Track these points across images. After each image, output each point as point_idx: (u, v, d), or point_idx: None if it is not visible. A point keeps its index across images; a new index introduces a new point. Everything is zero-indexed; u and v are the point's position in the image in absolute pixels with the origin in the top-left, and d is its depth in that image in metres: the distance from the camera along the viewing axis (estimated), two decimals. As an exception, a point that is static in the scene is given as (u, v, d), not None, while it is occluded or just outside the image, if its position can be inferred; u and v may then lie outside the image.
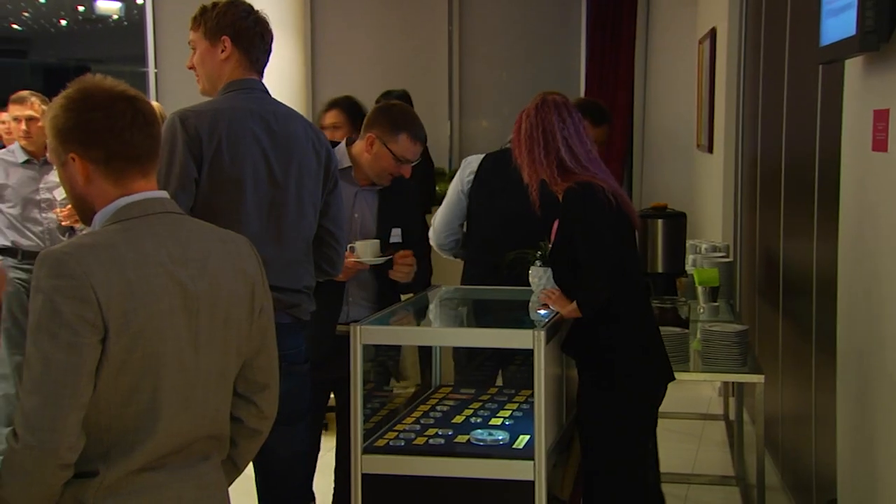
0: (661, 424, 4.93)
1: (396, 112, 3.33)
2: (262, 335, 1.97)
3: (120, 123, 1.79)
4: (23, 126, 4.93)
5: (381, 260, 3.26)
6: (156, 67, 7.75)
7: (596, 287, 2.94)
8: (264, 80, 2.89)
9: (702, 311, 4.48)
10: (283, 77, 7.77)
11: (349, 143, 3.39)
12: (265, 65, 2.88)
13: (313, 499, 3.13)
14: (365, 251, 3.23)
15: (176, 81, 7.40)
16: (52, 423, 1.65)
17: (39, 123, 4.94)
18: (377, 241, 3.26)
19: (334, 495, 3.45)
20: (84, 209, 1.86)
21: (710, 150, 6.32)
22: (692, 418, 5.56)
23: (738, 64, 5.70)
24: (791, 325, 4.26)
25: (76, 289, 1.67)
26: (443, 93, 8.25)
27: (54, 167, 5.45)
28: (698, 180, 7.11)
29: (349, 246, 3.22)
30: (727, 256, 5.20)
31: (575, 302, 2.99)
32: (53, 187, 4.94)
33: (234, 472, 2.04)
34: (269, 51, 2.87)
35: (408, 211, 3.45)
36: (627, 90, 7.95)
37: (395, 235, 3.38)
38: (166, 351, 1.76)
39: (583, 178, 2.99)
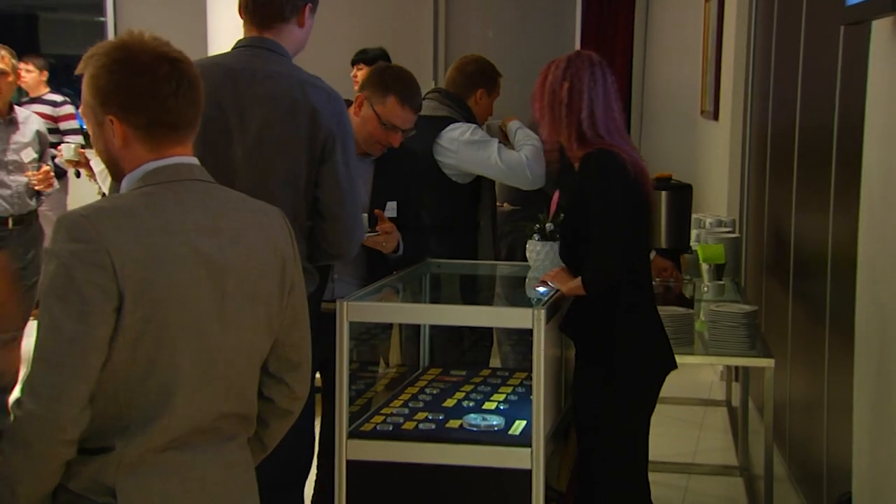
0: (660, 410, 4.97)
1: (390, 73, 3.30)
2: (294, 312, 2.00)
3: (165, 90, 1.82)
4: None
5: (368, 236, 3.22)
6: (115, 17, 7.66)
7: (606, 265, 2.93)
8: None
9: (706, 289, 4.50)
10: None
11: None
12: (271, 17, 2.86)
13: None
14: None
15: (138, 17, 7.33)
16: (54, 392, 1.69)
17: (10, 79, 4.88)
18: (364, 215, 3.24)
19: (317, 482, 3.46)
20: (116, 172, 1.91)
21: (716, 117, 6.32)
22: (692, 404, 5.60)
23: (749, 23, 5.69)
24: (802, 306, 4.29)
25: (91, 253, 1.70)
26: (427, 51, 8.21)
27: (20, 126, 5.39)
28: (702, 150, 7.12)
29: None
30: (733, 232, 5.21)
31: (579, 279, 2.98)
32: (21, 148, 4.89)
33: (262, 451, 2.08)
34: (267, 2, 2.85)
35: (405, 182, 3.42)
36: (626, 51, 7.94)
37: (390, 209, 3.35)
38: (187, 322, 1.79)
39: (603, 145, 2.98)
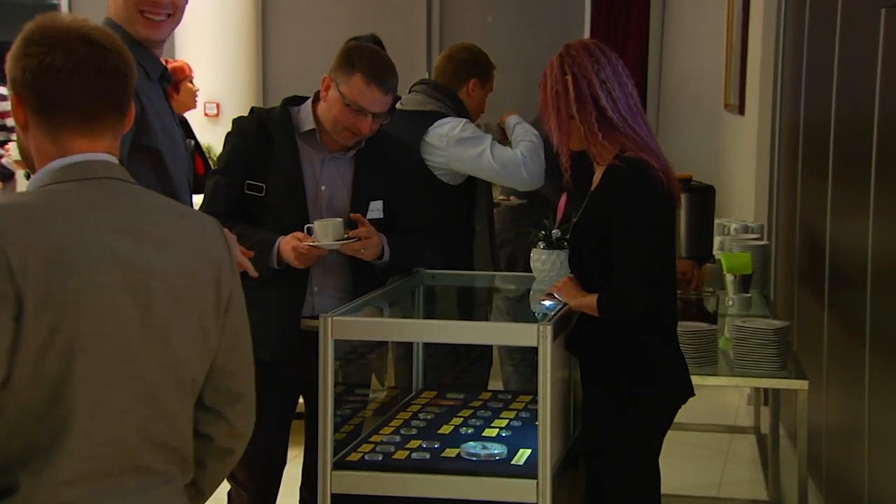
0: (680, 438, 5.00)
1: (357, 49, 3.28)
2: (233, 334, 1.96)
3: (59, 65, 1.80)
4: None
5: (343, 243, 3.18)
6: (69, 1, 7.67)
7: (630, 296, 2.91)
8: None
9: (731, 303, 4.50)
10: (227, 15, 7.72)
11: (316, 100, 3.34)
12: None
13: None
14: (324, 233, 3.16)
15: (93, 15, 7.34)
16: None
17: None
18: (339, 220, 3.20)
19: None
20: (29, 163, 1.89)
21: (741, 111, 6.34)
22: (717, 431, 5.60)
23: (778, 6, 5.71)
24: (839, 322, 4.29)
25: None
26: (420, 39, 8.22)
27: None
28: (726, 148, 7.13)
29: (306, 227, 3.19)
30: (761, 239, 5.22)
31: (594, 298, 2.97)
32: None
33: (199, 498, 2.02)
34: None
35: (392, 178, 3.40)
36: (641, 38, 7.97)
37: (375, 210, 3.33)
38: (103, 332, 1.74)
39: (629, 149, 2.95)
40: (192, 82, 5.91)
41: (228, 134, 3.36)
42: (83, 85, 1.82)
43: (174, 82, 5.52)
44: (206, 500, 2.05)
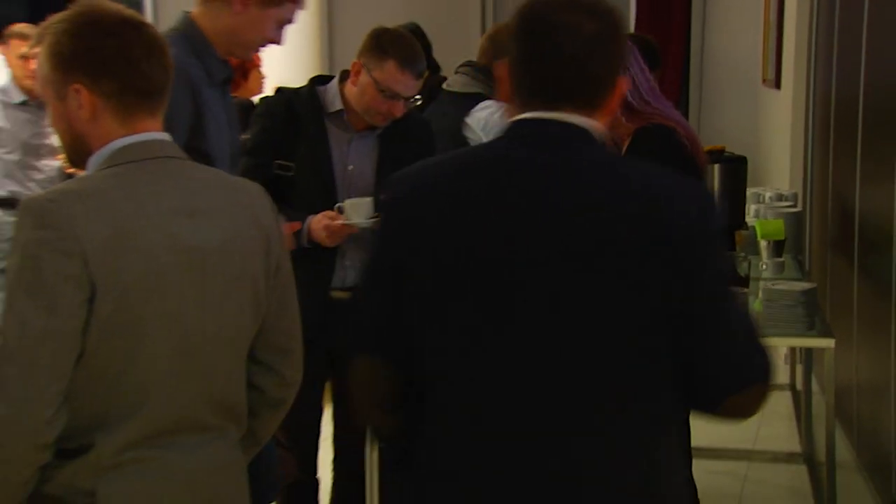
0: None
1: (388, 35, 3.20)
2: (283, 294, 1.96)
3: (136, 52, 1.78)
4: (31, 65, 4.78)
5: (374, 221, 3.14)
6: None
7: None
8: None
9: (764, 267, 4.45)
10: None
11: (343, 79, 3.26)
12: None
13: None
14: (356, 212, 3.12)
15: (177, 4, 7.40)
16: (27, 393, 1.65)
17: None
18: (370, 199, 3.13)
19: (333, 488, 3.40)
20: (80, 150, 1.84)
21: (778, 85, 6.24)
22: (754, 388, 5.55)
23: (811, -17, 5.61)
24: (868, 284, 4.24)
25: (59, 241, 1.66)
26: (475, 22, 8.19)
27: None
28: (763, 120, 7.04)
29: (337, 206, 3.14)
30: (795, 206, 5.15)
31: None
32: (54, 132, 4.96)
33: (254, 445, 2.04)
34: None
35: (413, 156, 3.31)
36: (684, 14, 7.86)
37: None
38: (164, 311, 1.76)
39: (654, 118, 2.90)
40: (260, 69, 5.92)
41: (256, 114, 3.27)
42: (158, 69, 1.81)
43: (243, 69, 5.53)
44: (261, 446, 2.08)
